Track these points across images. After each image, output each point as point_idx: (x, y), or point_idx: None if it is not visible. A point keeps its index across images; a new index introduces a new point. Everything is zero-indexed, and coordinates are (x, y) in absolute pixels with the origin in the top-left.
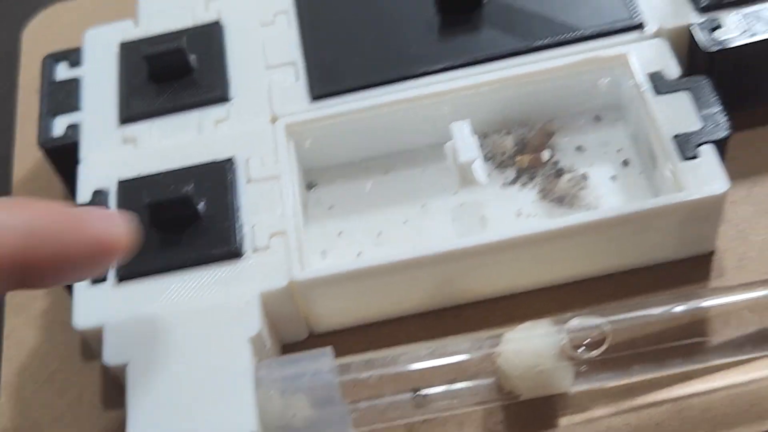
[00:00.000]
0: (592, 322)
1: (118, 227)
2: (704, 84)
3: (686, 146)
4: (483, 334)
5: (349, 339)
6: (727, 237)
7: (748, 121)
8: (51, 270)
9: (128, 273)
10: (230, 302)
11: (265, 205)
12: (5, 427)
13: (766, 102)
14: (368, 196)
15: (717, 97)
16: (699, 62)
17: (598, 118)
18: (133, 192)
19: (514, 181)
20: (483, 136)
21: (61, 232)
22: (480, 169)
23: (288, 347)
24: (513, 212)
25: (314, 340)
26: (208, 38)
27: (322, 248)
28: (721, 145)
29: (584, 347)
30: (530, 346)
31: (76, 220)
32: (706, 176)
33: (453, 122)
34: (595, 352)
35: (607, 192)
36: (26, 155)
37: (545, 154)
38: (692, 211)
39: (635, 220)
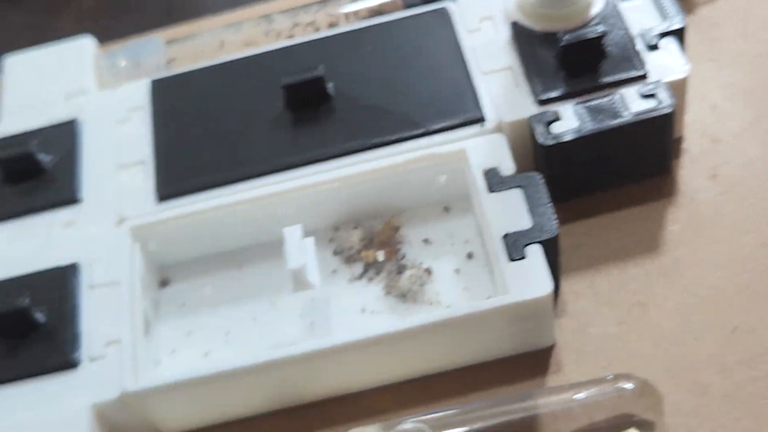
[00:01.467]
0: (417, 428)
1: None
2: (536, 181)
3: (514, 247)
4: None
5: None
6: (567, 330)
7: (593, 207)
8: None
9: None
10: (65, 414)
11: (105, 312)
12: None
13: (607, 189)
14: (219, 293)
15: (548, 194)
16: (539, 154)
17: (447, 209)
18: None
19: (360, 276)
20: (335, 229)
21: None
22: (312, 272)
23: None
24: (358, 308)
25: None
26: (64, 137)
27: (172, 348)
28: (550, 245)
29: None
30: None
31: None
32: (532, 277)
33: (285, 227)
34: None
35: (449, 287)
36: None
37: (379, 255)
38: (519, 312)
39: (468, 320)
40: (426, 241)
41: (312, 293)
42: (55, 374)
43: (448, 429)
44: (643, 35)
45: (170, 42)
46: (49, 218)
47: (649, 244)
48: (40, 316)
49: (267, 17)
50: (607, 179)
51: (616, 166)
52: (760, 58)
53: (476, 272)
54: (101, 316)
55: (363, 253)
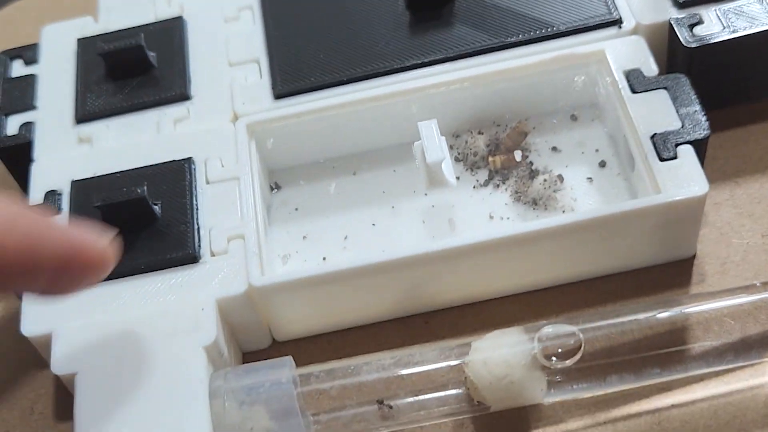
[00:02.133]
0: (565, 330)
1: (97, 240)
2: (683, 82)
3: (664, 146)
4: (451, 343)
5: (314, 347)
6: (709, 240)
7: (729, 120)
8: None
9: None
10: (185, 309)
11: (224, 208)
12: None
13: (748, 100)
14: (335, 198)
15: (696, 95)
16: (679, 59)
17: (574, 118)
18: (87, 193)
19: (486, 183)
20: (454, 135)
21: (34, 233)
22: (448, 169)
23: (249, 355)
24: (485, 215)
25: (277, 347)
26: (170, 34)
27: (286, 252)
28: (700, 146)
29: (557, 356)
30: (499, 355)
31: (52, 226)
32: (685, 178)
33: (420, 122)
34: (568, 362)
35: (583, 194)
36: None
37: (518, 155)
38: (670, 213)
39: (611, 223)
40: (554, 148)
41: (436, 197)
42: (176, 269)
43: (594, 332)
44: None
45: None
46: (158, 114)
47: None
48: (157, 209)
49: None
50: (748, 89)
51: (757, 77)
52: None
53: (611, 180)
54: (220, 212)
55: (490, 159)
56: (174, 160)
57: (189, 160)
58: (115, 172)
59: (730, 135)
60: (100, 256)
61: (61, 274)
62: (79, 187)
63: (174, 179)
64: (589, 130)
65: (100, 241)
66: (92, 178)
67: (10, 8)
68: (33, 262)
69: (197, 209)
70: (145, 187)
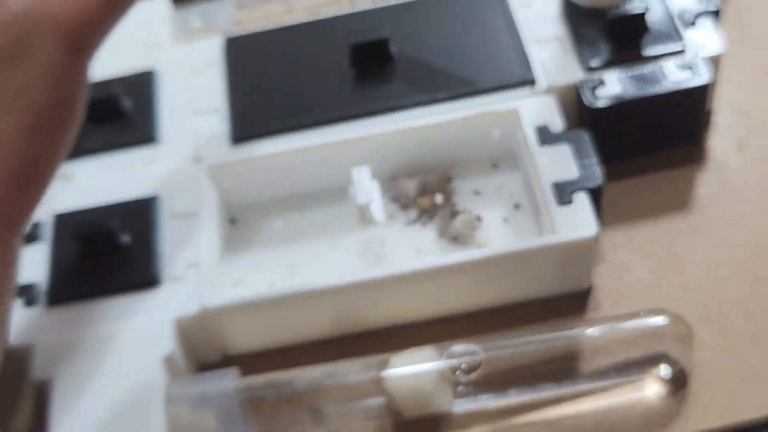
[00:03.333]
0: (469, 349)
1: None
2: (584, 137)
3: (563, 193)
4: (373, 359)
5: (261, 361)
6: (604, 275)
7: (629, 170)
8: None
9: (57, 297)
10: (148, 326)
11: (184, 239)
12: None
13: (645, 152)
14: (283, 232)
15: (594, 149)
16: (584, 116)
17: (495, 165)
18: (68, 224)
19: (415, 221)
20: (390, 178)
21: None
22: (377, 209)
23: (205, 367)
24: (413, 249)
25: (229, 361)
26: (142, 85)
27: (239, 278)
28: (596, 193)
29: (462, 371)
30: (412, 369)
31: None
32: (579, 221)
33: (354, 167)
34: (472, 375)
35: (498, 232)
36: None
37: (438, 198)
38: (565, 251)
39: (514, 258)
40: (476, 192)
41: (371, 234)
42: (140, 291)
43: (495, 352)
44: (681, 14)
45: (239, 5)
46: (130, 156)
47: (680, 204)
48: (126, 239)
49: None
50: (643, 144)
51: (653, 132)
52: None
53: (523, 221)
54: (181, 242)
55: (418, 200)
56: (142, 198)
57: (155, 198)
58: (92, 208)
59: (629, 183)
60: None
61: None
62: (61, 219)
63: (142, 213)
64: (507, 176)
65: None
66: (72, 212)
67: None
68: None
69: (161, 240)
70: (118, 221)
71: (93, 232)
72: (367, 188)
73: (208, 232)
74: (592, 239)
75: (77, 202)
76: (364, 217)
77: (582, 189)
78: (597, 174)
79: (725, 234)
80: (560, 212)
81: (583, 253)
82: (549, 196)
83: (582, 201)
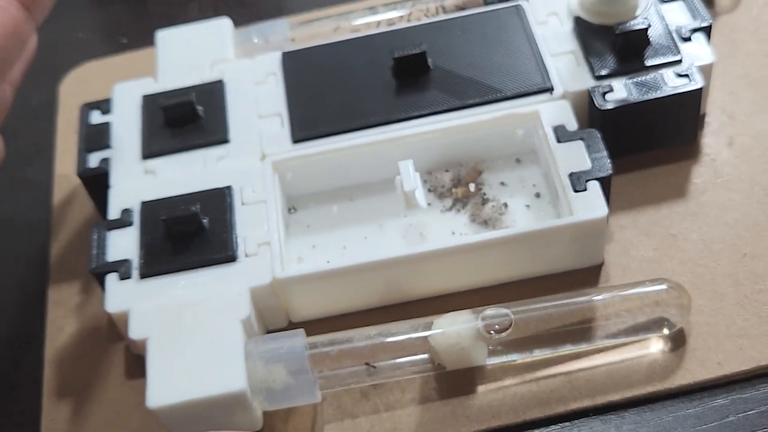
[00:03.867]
0: (501, 312)
1: None
2: (595, 135)
3: (578, 182)
4: (419, 321)
5: (320, 327)
6: (614, 252)
7: (635, 164)
8: None
9: (148, 272)
10: (227, 294)
11: (254, 222)
12: (51, 392)
13: (649, 149)
14: (336, 218)
15: (605, 145)
16: (596, 118)
17: (518, 161)
18: (153, 211)
19: (450, 208)
20: (428, 172)
21: None
22: (420, 196)
23: (271, 332)
24: (449, 231)
25: (293, 327)
26: (213, 93)
27: (299, 257)
28: (606, 181)
29: (495, 331)
30: (453, 329)
31: None
32: (592, 204)
33: (400, 161)
34: (503, 335)
35: (522, 216)
36: (63, 184)
37: (472, 187)
38: (581, 230)
39: (538, 237)
40: (502, 183)
41: (414, 218)
42: (220, 266)
43: (524, 314)
44: (678, 30)
45: (291, 25)
46: (204, 153)
47: (678, 192)
48: (206, 223)
49: (372, 9)
50: (647, 141)
51: (655, 131)
52: None
53: (543, 207)
54: (252, 225)
55: (453, 190)
56: (218, 188)
57: (229, 188)
58: (174, 196)
59: (636, 175)
60: None
61: None
62: (147, 206)
63: (218, 201)
64: (529, 170)
65: None
66: (156, 200)
67: (81, 68)
68: None
69: (235, 223)
70: (198, 206)
71: (177, 215)
72: (411, 178)
73: (274, 217)
74: (603, 220)
75: (161, 192)
76: (409, 202)
77: (594, 178)
78: (606, 165)
79: (716, 217)
80: (576, 198)
81: (595, 232)
82: (567, 184)
83: (594, 188)
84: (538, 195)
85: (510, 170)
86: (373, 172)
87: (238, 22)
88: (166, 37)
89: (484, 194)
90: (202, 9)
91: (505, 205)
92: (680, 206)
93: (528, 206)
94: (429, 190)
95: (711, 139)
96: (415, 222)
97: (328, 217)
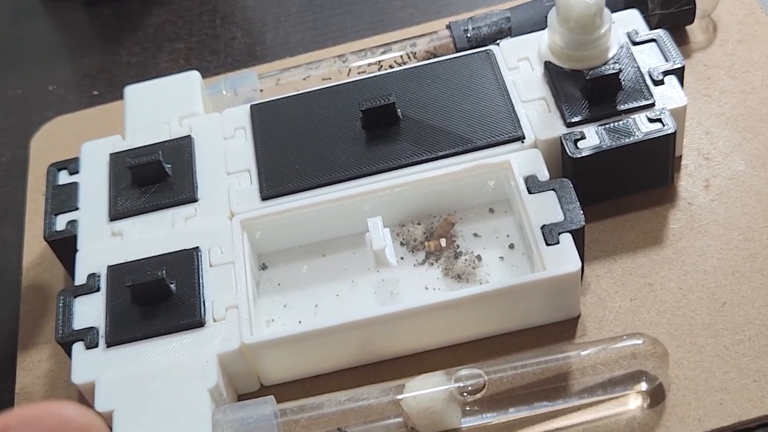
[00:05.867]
0: (474, 373)
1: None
2: (567, 185)
3: (549, 235)
4: (390, 384)
5: (292, 389)
6: (590, 304)
7: (611, 210)
8: None
9: (114, 340)
10: (195, 362)
11: (223, 285)
12: None
13: (624, 194)
14: (308, 275)
15: (576, 195)
16: (568, 165)
17: (491, 210)
18: (120, 275)
19: (423, 262)
20: (400, 225)
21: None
22: (391, 254)
23: (243, 397)
24: (422, 286)
25: (264, 390)
26: (181, 150)
27: (271, 317)
28: (579, 233)
29: (468, 392)
30: (425, 392)
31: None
32: (564, 258)
33: (368, 218)
34: (477, 396)
35: (496, 269)
36: (34, 245)
37: (443, 242)
38: (554, 285)
39: (510, 293)
40: (475, 234)
41: (386, 273)
42: (187, 331)
43: (497, 374)
44: (650, 72)
45: (261, 76)
46: (172, 213)
47: (654, 239)
48: (173, 287)
49: (342, 56)
50: (621, 187)
51: (629, 177)
52: (744, 94)
53: (517, 259)
54: (220, 288)
55: (426, 243)
56: (185, 249)
57: (197, 249)
58: (141, 259)
59: (611, 222)
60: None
61: None
62: (114, 270)
63: (185, 263)
64: (503, 220)
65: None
66: (123, 263)
67: (51, 123)
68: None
69: (203, 286)
70: (164, 271)
71: (143, 281)
72: (380, 236)
73: (243, 278)
74: (576, 274)
75: (127, 255)
76: (379, 260)
77: (566, 231)
78: (579, 217)
79: (694, 264)
80: (548, 251)
81: (569, 286)
82: (538, 237)
83: (566, 241)
84: (512, 246)
85: (483, 221)
86: (344, 227)
87: (209, 70)
88: (134, 92)
89: (458, 246)
90: (174, 58)
91: (479, 257)
92: (657, 253)
93: (502, 258)
94: (401, 244)
95: (687, 181)
96: (387, 277)
97: (300, 275)
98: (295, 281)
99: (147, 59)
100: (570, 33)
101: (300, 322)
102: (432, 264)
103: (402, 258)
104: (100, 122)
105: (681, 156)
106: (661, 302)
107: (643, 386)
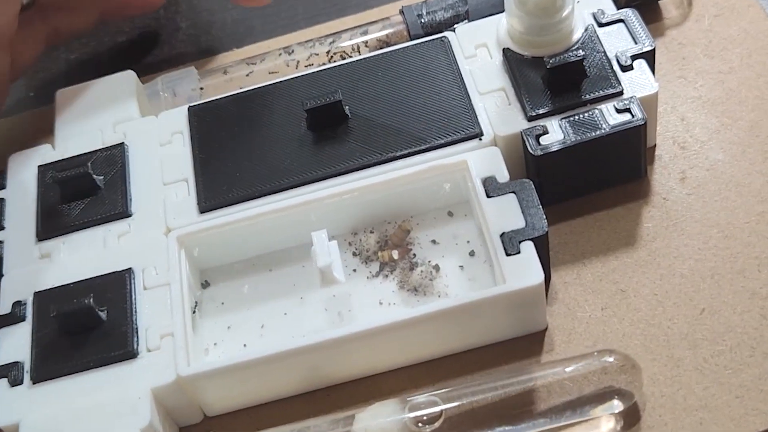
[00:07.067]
0: (430, 400)
1: None
2: (527, 187)
3: (509, 243)
4: (339, 415)
5: (238, 419)
6: (558, 315)
7: (577, 210)
8: None
9: (40, 376)
10: (126, 398)
11: (158, 310)
12: None
13: (590, 192)
14: (253, 293)
15: (538, 198)
16: (530, 163)
17: (450, 213)
18: (47, 302)
19: (377, 274)
20: (352, 233)
21: None
22: (338, 270)
23: (185, 430)
24: (376, 301)
25: (208, 422)
26: (114, 159)
27: (214, 341)
28: (541, 241)
29: (423, 422)
30: (377, 424)
31: None
32: (526, 270)
33: (312, 231)
34: (434, 426)
35: (455, 280)
36: None
37: (395, 254)
38: (516, 299)
39: (469, 309)
40: (433, 241)
41: (336, 289)
42: (120, 364)
43: (455, 401)
44: (617, 57)
45: (202, 72)
46: (105, 230)
47: (627, 239)
48: (102, 314)
49: (287, 49)
50: (589, 184)
51: (597, 173)
52: (722, 74)
53: (478, 267)
54: (155, 313)
55: (380, 254)
56: (117, 271)
57: (130, 271)
58: (70, 283)
59: (579, 222)
60: None
61: None
62: (41, 297)
63: (118, 287)
64: (462, 224)
65: None
66: (51, 289)
67: None
68: None
69: (136, 312)
70: (92, 298)
71: (71, 310)
72: (326, 251)
73: (180, 303)
74: (539, 287)
75: (56, 279)
76: (325, 278)
77: (528, 238)
78: (541, 223)
79: (670, 266)
80: (508, 262)
81: (532, 299)
82: (498, 247)
83: (528, 250)
84: (472, 253)
85: (441, 225)
86: (291, 238)
87: (153, 66)
88: (66, 95)
89: (414, 256)
90: (115, 53)
91: (436, 268)
92: (630, 256)
93: (461, 267)
94: (354, 254)
95: (662, 174)
96: (338, 293)
97: (244, 292)
98: (239, 300)
99: (86, 55)
100: (529, 17)
101: (245, 345)
102: (386, 276)
103: (354, 270)
104: (36, 128)
105: (654, 146)
106: (635, 311)
107: (616, 406)
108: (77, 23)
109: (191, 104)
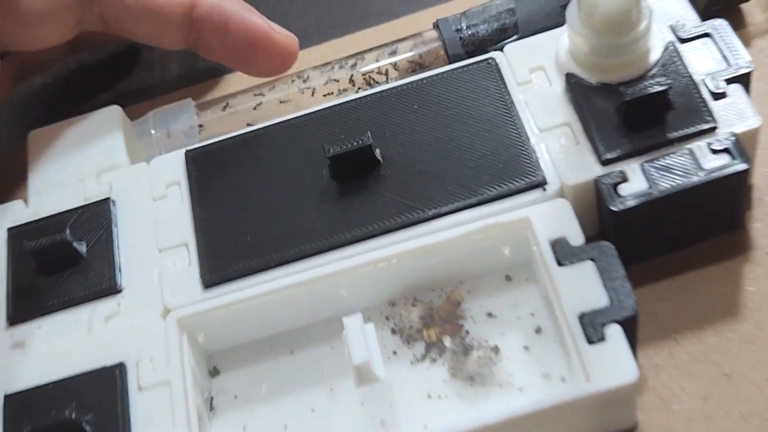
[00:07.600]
0: None
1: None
2: (609, 252)
3: (591, 328)
4: None
5: None
6: (649, 407)
7: (664, 269)
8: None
9: None
10: None
11: (156, 416)
12: None
13: (679, 248)
14: (273, 382)
15: (623, 267)
16: (607, 219)
17: (509, 278)
18: (19, 409)
19: (423, 357)
20: (390, 304)
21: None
22: (377, 365)
23: None
24: (423, 394)
25: None
26: (98, 218)
27: None
28: (630, 324)
29: None
30: None
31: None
32: (614, 362)
33: (341, 307)
34: None
35: (519, 366)
36: None
37: (446, 340)
38: (602, 399)
39: (546, 412)
40: (490, 314)
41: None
42: None
43: None
44: (706, 82)
45: (200, 105)
46: (89, 310)
47: (727, 308)
48: (89, 425)
49: (301, 74)
50: (676, 240)
51: (686, 226)
52: None
53: (547, 348)
54: (153, 421)
55: (425, 332)
56: (105, 367)
57: (121, 366)
58: (47, 384)
59: (667, 285)
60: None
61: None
62: (11, 402)
63: (106, 388)
64: (524, 290)
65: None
66: (24, 391)
67: None
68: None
69: (129, 421)
70: (74, 406)
71: (45, 425)
72: (362, 342)
73: (183, 406)
74: (632, 385)
75: (30, 378)
76: (362, 376)
77: (614, 320)
78: (629, 301)
79: None
80: (591, 352)
81: (621, 399)
82: (576, 333)
83: (616, 337)
84: (538, 330)
85: (498, 293)
86: (316, 313)
87: (143, 92)
88: (40, 138)
89: (467, 333)
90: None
91: (496, 350)
92: (732, 329)
93: (526, 348)
94: (393, 332)
95: (764, 223)
96: (377, 383)
97: (263, 381)
98: (256, 392)
99: (64, 79)
100: (596, 34)
101: None
102: (434, 360)
103: (395, 353)
104: (8, 174)
105: (751, 186)
106: (746, 401)
107: None
108: (43, 54)
109: (189, 148)
